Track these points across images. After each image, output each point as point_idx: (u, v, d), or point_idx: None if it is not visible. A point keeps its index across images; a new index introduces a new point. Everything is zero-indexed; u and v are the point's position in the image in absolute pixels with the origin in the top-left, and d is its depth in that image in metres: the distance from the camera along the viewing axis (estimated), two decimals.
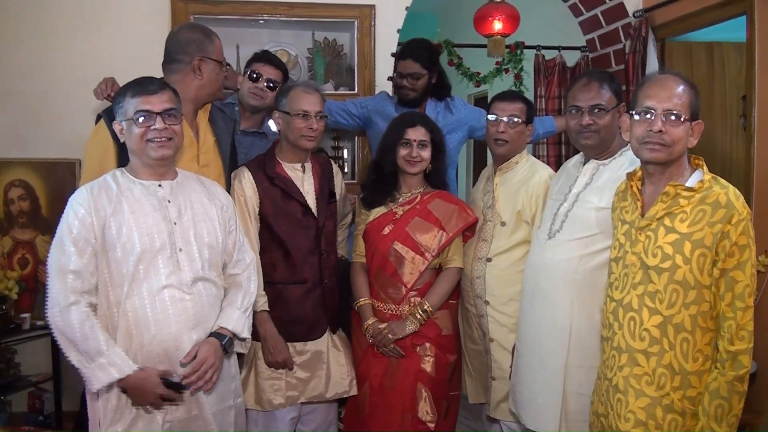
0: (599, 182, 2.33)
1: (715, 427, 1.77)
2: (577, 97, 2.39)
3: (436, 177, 2.77)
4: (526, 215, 2.66)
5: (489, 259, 2.71)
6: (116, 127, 2.14)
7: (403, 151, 2.68)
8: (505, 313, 2.67)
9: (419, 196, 2.73)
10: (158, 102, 2.09)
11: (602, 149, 2.40)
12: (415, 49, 3.30)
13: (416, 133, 2.68)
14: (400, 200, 2.74)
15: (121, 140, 2.14)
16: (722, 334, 1.80)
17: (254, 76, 3.00)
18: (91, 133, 2.39)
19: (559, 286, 2.33)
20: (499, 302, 2.69)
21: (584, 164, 2.45)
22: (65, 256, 2.01)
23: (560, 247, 2.35)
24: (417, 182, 2.75)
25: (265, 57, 3.09)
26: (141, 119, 2.07)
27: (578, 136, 2.40)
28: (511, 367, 2.62)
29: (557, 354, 2.33)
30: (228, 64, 2.64)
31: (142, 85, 2.12)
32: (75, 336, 1.99)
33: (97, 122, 2.38)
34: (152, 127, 2.07)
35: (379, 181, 2.74)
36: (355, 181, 3.79)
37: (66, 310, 1.99)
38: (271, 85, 3.01)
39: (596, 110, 2.35)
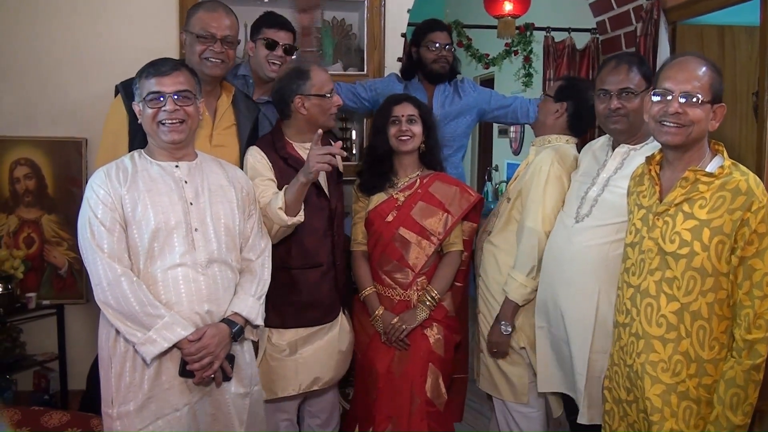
0: (631, 167, 2.27)
1: (730, 416, 1.77)
2: (606, 81, 2.34)
3: (431, 157, 2.74)
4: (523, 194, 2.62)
5: (489, 233, 2.71)
6: (135, 108, 2.14)
7: (393, 129, 2.64)
8: (492, 295, 2.67)
9: (418, 180, 2.69)
10: (171, 83, 2.07)
11: (632, 134, 2.35)
12: (439, 22, 3.30)
13: (403, 109, 2.65)
14: (399, 185, 2.70)
15: (139, 121, 2.14)
16: (738, 322, 1.79)
17: (270, 43, 2.89)
18: (110, 106, 2.38)
19: (587, 271, 2.30)
20: (487, 281, 2.70)
21: (613, 148, 2.41)
22: (98, 236, 2.00)
23: (589, 232, 2.31)
24: (413, 164, 2.72)
25: (276, 21, 2.96)
26: (152, 100, 2.06)
27: (607, 121, 2.35)
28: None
29: (582, 339, 2.32)
30: (221, 39, 2.46)
31: (155, 66, 2.11)
32: (131, 306, 1.97)
33: (116, 95, 2.36)
34: (163, 109, 2.06)
35: (375, 166, 2.71)
36: None
37: (117, 281, 1.98)
38: (287, 49, 2.93)
39: (624, 93, 2.30)
